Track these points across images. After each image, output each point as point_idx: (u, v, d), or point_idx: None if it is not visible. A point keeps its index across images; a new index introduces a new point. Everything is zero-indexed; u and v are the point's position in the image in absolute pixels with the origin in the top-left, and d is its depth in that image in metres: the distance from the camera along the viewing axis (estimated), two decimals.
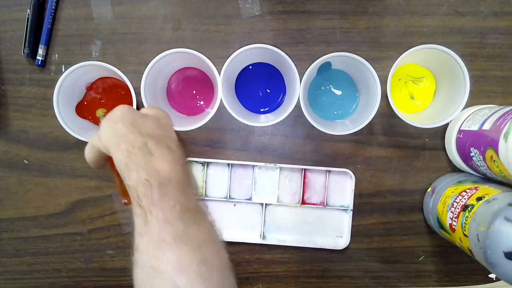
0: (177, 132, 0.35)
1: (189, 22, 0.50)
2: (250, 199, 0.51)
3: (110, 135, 0.31)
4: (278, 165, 0.50)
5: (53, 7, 0.49)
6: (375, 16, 0.49)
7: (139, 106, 0.47)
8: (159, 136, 0.32)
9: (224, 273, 0.29)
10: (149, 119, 0.33)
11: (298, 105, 0.44)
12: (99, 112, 0.42)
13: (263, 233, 0.51)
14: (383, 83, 0.43)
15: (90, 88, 0.49)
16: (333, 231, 0.51)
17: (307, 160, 0.51)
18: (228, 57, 0.43)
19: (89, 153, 0.34)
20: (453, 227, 0.42)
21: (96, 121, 0.49)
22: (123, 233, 0.51)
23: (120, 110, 0.32)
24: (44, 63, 0.50)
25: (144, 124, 0.32)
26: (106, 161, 0.35)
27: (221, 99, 0.43)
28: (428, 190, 0.50)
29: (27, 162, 0.51)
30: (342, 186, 0.51)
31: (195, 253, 0.28)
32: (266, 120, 0.46)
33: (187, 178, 0.32)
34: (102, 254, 0.52)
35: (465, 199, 0.41)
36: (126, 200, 0.34)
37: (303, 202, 0.51)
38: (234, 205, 0.52)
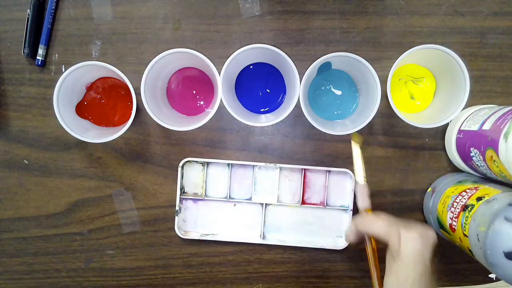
0: None
1: (189, 22, 0.50)
2: (250, 199, 0.51)
3: (418, 249, 0.36)
4: (278, 165, 0.50)
5: (53, 7, 0.49)
6: (375, 16, 0.49)
7: (139, 106, 0.47)
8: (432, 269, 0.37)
9: None
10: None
11: (298, 105, 0.44)
12: (355, 138, 0.45)
13: (263, 233, 0.51)
14: (383, 83, 0.43)
15: (90, 88, 0.49)
16: (333, 231, 0.51)
17: (307, 160, 0.51)
18: (228, 57, 0.43)
19: (368, 228, 0.41)
20: (453, 227, 0.42)
21: (96, 121, 0.49)
22: (123, 233, 0.52)
23: (433, 235, 0.38)
24: (44, 63, 0.50)
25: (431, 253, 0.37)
26: (361, 243, 0.43)
27: (221, 99, 0.43)
28: (428, 190, 0.50)
29: (27, 162, 0.51)
30: (342, 186, 0.51)
31: None
32: (266, 120, 0.46)
33: None
34: (102, 254, 0.52)
35: (465, 199, 0.41)
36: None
37: (303, 202, 0.51)
38: (234, 205, 0.52)
